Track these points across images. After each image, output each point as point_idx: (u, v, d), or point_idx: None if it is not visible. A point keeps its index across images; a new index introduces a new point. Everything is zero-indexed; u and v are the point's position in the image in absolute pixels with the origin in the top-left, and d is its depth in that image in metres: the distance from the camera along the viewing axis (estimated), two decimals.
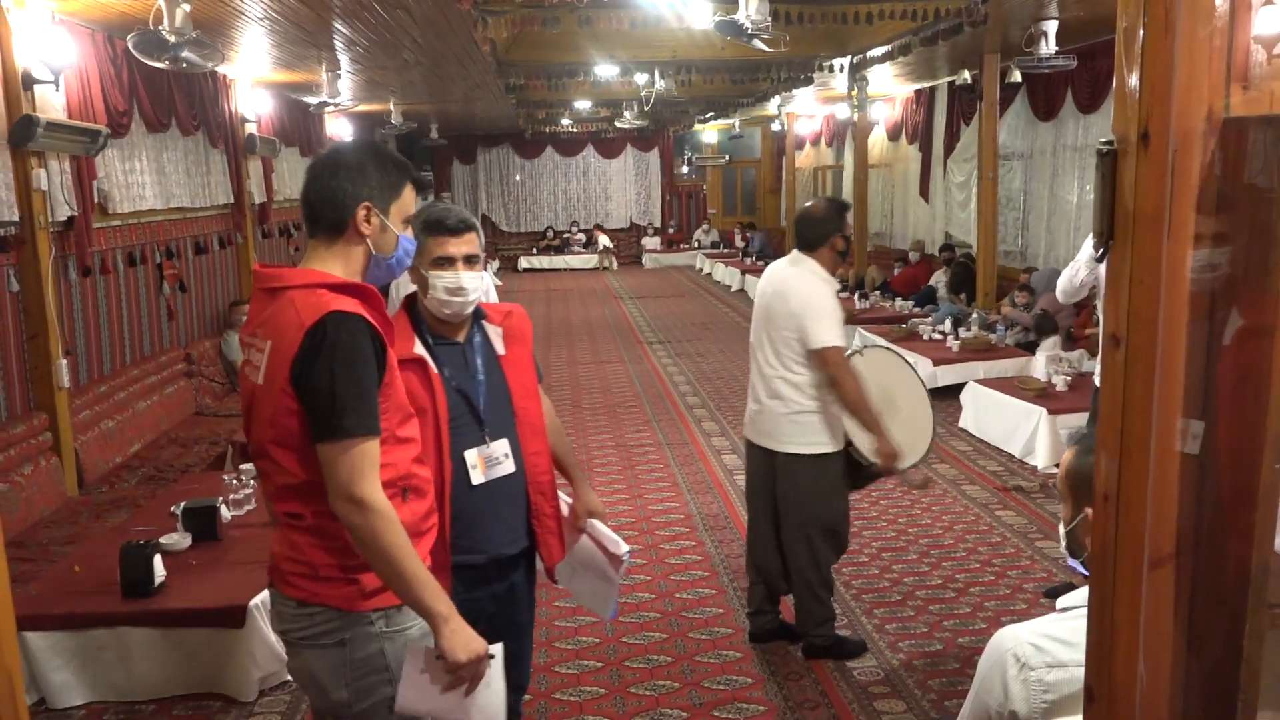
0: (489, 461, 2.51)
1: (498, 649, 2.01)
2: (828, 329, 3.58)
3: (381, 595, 2.02)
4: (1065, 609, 1.73)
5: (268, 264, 2.10)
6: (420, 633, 2.09)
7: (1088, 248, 4.20)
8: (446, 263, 2.46)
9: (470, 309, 2.51)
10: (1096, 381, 4.36)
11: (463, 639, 1.93)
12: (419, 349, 2.46)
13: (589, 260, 20.57)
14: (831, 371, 3.57)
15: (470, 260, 2.49)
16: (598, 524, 2.80)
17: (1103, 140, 1.16)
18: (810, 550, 3.78)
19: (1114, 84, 1.14)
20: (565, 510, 2.75)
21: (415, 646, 2.01)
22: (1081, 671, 1.60)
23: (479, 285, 2.49)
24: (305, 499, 1.95)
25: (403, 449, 2.05)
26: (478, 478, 2.49)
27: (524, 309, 2.73)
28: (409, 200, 2.12)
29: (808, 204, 3.90)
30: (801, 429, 3.67)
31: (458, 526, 2.45)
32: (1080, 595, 1.71)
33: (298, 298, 1.94)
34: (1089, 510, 1.74)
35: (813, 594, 3.83)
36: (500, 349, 2.59)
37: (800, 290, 3.62)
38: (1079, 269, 4.30)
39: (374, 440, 1.92)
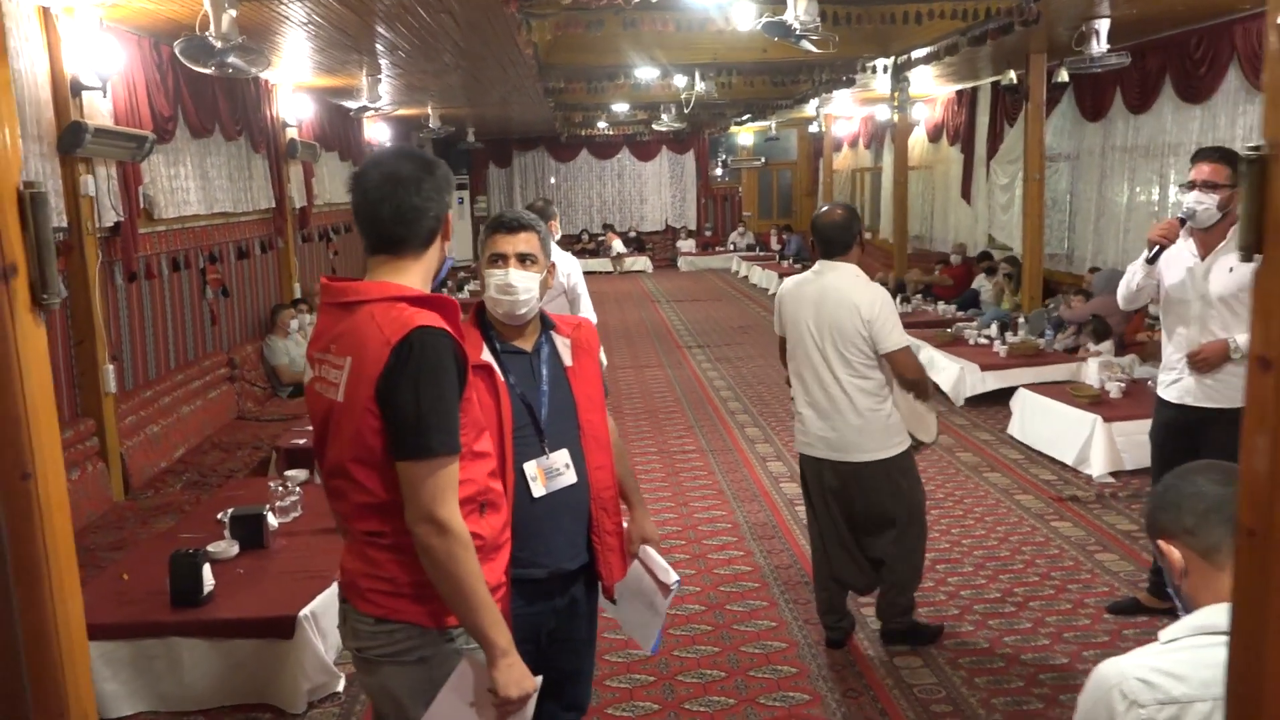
0: (549, 473, 2.44)
1: (536, 682, 1.99)
2: (899, 330, 3.71)
3: None
4: (1170, 640, 1.63)
5: (336, 278, 2.06)
6: None
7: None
8: (500, 260, 2.44)
9: (523, 309, 2.43)
10: (1159, 393, 4.23)
11: (517, 674, 1.92)
12: (486, 356, 2.41)
13: (625, 264, 20.48)
14: (910, 374, 3.74)
15: (525, 259, 2.44)
16: (650, 551, 2.74)
17: (1249, 145, 1.07)
18: (918, 541, 3.92)
19: (1265, 82, 1.05)
20: None
21: (471, 662, 1.96)
22: (1197, 708, 1.52)
23: (531, 286, 2.42)
24: (387, 517, 1.91)
25: (479, 464, 2.01)
26: (538, 490, 2.42)
27: (591, 323, 2.67)
28: None
29: (825, 212, 3.86)
30: (889, 431, 3.76)
31: (518, 539, 2.37)
32: (1183, 626, 1.61)
33: (378, 312, 1.90)
34: (1161, 543, 1.69)
35: (904, 588, 3.94)
36: (568, 360, 2.52)
37: (867, 297, 3.69)
38: (1135, 274, 4.14)
39: (456, 460, 1.88)
